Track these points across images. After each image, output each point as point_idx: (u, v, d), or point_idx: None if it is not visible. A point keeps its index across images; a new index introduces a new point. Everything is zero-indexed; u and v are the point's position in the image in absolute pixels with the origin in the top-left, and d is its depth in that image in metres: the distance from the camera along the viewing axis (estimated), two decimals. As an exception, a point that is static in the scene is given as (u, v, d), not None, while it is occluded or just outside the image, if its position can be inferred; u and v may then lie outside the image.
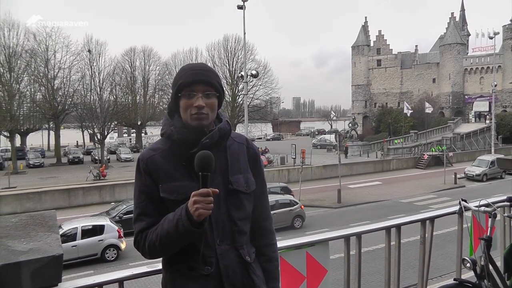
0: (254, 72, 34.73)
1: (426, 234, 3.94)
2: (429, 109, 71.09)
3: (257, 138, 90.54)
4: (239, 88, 66.79)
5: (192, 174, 2.01)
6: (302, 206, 25.21)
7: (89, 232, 19.72)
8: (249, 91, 51.68)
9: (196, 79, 2.08)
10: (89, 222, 20.74)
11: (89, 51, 61.92)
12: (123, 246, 19.98)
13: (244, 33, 33.06)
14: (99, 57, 63.06)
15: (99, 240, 19.58)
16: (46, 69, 60.64)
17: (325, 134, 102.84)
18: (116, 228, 20.32)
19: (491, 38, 56.36)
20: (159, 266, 2.33)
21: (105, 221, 20.75)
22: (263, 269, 2.28)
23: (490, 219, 3.94)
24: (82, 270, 17.62)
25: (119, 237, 20.00)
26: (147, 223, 2.09)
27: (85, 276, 2.45)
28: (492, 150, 52.86)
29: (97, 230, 19.93)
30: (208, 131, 2.10)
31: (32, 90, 61.46)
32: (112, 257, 19.78)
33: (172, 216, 1.97)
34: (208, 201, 1.86)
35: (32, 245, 2.03)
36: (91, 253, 19.41)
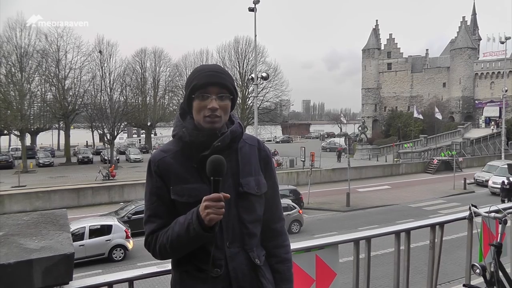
0: (264, 74, 34.73)
1: (436, 239, 3.92)
2: (438, 115, 70.81)
3: (267, 141, 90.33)
4: (249, 90, 66.85)
5: (203, 176, 2.01)
6: (301, 211, 25.08)
7: (96, 232, 19.80)
8: (259, 93, 51.61)
9: (210, 81, 2.06)
10: (97, 222, 20.81)
11: (100, 52, 62.15)
12: (130, 246, 20.04)
13: (255, 36, 32.98)
14: (110, 58, 63.28)
15: (107, 240, 19.64)
16: (57, 69, 60.95)
17: (334, 137, 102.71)
18: (124, 228, 20.38)
19: (502, 42, 56.08)
20: (169, 266, 2.34)
21: (112, 221, 20.81)
22: (275, 271, 2.28)
23: (500, 225, 3.92)
24: (90, 269, 17.70)
25: (127, 237, 20.05)
26: (158, 225, 2.10)
27: (94, 275, 2.46)
28: (502, 156, 52.46)
29: (105, 230, 19.99)
30: (220, 133, 2.09)
31: (43, 90, 61.83)
32: (119, 257, 19.85)
33: (183, 220, 1.97)
34: (220, 206, 1.86)
35: (44, 243, 2.04)
36: (98, 252, 19.47)
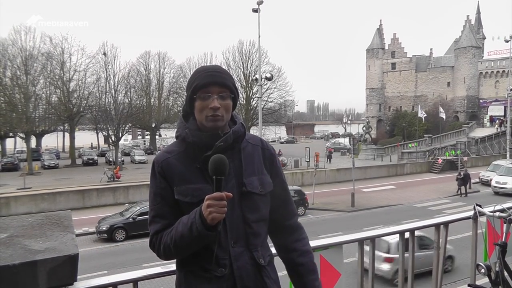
0: (268, 75, 34.76)
1: (440, 239, 3.91)
2: (442, 115, 70.58)
3: (271, 141, 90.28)
4: (254, 91, 66.81)
5: (207, 176, 2.01)
6: None
7: None
8: (263, 94, 51.63)
9: (211, 81, 2.08)
10: None
11: (104, 54, 62.11)
12: None
13: (259, 36, 33.08)
14: (114, 60, 63.08)
15: None
16: (61, 72, 61.08)
17: (339, 137, 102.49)
18: None
19: (506, 41, 55.77)
20: (173, 267, 2.33)
21: None
22: (298, 264, 2.28)
23: (505, 225, 3.91)
24: (94, 270, 17.72)
25: None
26: (162, 225, 2.11)
27: (99, 276, 2.47)
28: (507, 155, 52.29)
29: None
30: (223, 133, 2.10)
31: (48, 92, 62.00)
32: None
33: (186, 219, 1.98)
34: (222, 205, 1.87)
35: (48, 245, 2.05)
36: None
